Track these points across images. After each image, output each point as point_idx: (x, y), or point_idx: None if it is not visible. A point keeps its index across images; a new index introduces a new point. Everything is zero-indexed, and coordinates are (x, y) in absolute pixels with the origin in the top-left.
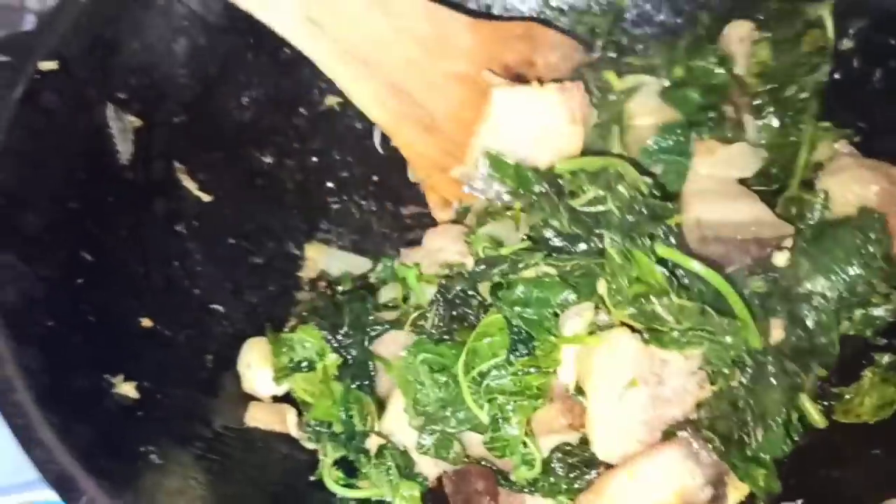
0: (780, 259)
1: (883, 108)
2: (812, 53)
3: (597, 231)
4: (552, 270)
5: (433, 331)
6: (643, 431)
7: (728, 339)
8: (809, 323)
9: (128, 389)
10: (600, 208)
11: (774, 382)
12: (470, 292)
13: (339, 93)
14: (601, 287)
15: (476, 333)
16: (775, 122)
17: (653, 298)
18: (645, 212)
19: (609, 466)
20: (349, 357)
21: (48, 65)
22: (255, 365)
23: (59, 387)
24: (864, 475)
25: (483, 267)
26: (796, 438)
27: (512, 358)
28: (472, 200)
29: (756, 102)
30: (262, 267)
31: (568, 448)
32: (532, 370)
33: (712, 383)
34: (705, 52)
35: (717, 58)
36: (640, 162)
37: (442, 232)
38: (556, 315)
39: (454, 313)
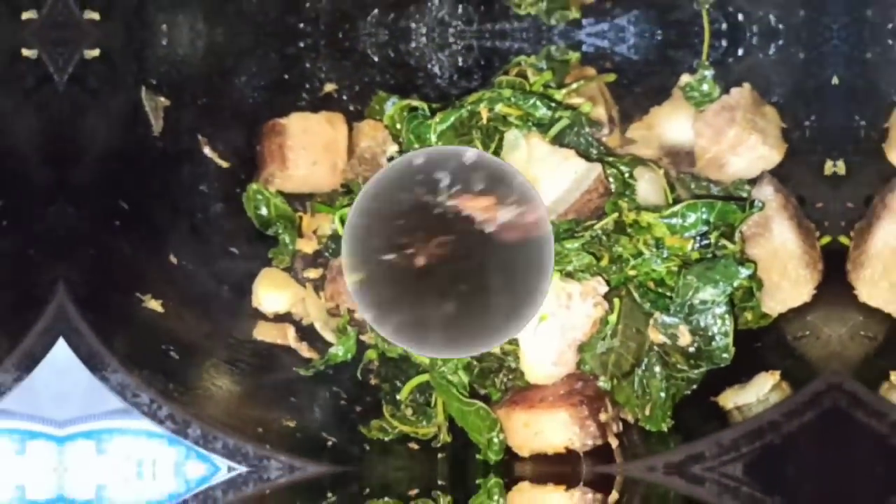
0: None
1: None
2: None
3: None
4: None
5: None
6: (557, 354)
7: None
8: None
9: (154, 305)
10: None
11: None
12: None
13: (336, 80)
14: None
15: None
16: None
17: None
18: None
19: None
20: None
21: (92, 53)
22: (265, 287)
23: (96, 297)
24: None
25: None
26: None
27: None
28: None
29: None
30: None
31: None
32: None
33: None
34: None
35: None
36: None
37: None
38: None
39: None
